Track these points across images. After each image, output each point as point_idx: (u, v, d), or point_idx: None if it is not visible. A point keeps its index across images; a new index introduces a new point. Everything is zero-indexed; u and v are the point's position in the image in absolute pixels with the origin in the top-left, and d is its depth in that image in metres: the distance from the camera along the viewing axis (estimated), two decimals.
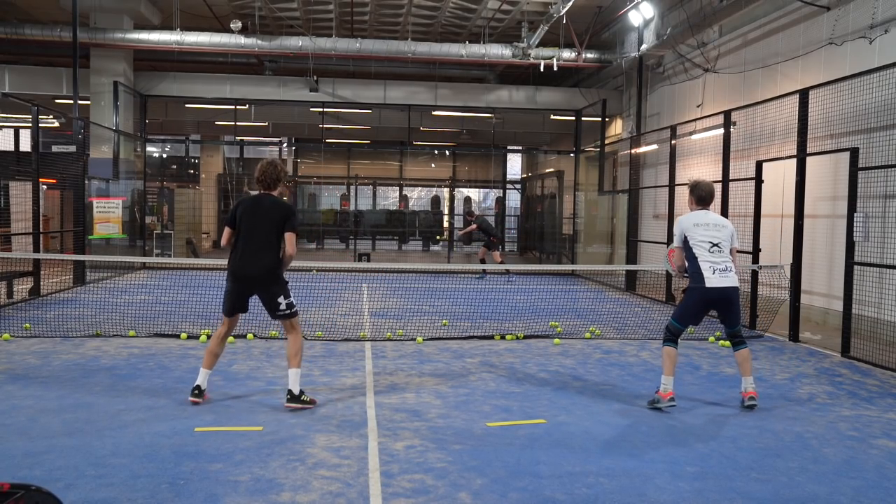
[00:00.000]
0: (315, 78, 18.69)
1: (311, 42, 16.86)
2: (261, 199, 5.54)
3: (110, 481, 3.90)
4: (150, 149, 24.23)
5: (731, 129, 10.68)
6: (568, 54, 17.21)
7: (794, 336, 8.85)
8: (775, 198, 10.63)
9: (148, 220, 18.31)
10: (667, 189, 12.82)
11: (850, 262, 7.93)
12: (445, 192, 27.34)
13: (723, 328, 5.99)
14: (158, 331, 8.40)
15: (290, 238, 5.44)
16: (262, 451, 4.45)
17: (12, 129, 18.09)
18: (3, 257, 10.56)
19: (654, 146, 15.48)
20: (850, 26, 10.07)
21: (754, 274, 9.70)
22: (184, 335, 8.09)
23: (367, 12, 18.41)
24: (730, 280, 5.63)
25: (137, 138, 18.31)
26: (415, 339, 8.34)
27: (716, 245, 5.66)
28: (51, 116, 19.01)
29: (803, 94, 8.86)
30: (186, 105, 20.54)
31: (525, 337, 8.65)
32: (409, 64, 19.01)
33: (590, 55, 17.31)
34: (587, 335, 8.86)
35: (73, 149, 13.04)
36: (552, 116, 21.14)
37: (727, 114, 10.71)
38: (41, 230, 11.83)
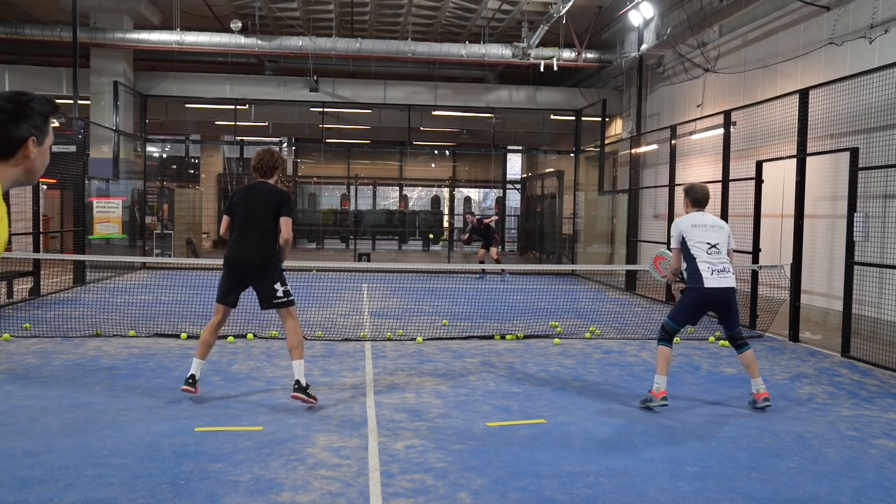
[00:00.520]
0: (315, 78, 18.69)
1: (311, 42, 16.86)
2: (256, 186, 5.53)
3: (110, 481, 3.90)
4: (150, 149, 24.23)
5: (731, 129, 10.68)
6: (568, 54, 17.21)
7: (794, 336, 8.85)
8: (775, 198, 10.63)
9: (148, 220, 18.31)
10: (667, 189, 12.82)
11: (850, 262, 7.92)
12: (445, 192, 27.35)
13: (723, 330, 5.99)
14: (158, 331, 8.40)
15: (285, 223, 5.40)
16: (262, 451, 4.45)
17: None
18: (3, 257, 10.55)
19: (654, 146, 15.48)
20: (850, 26, 10.07)
21: (754, 274, 9.70)
22: (184, 335, 8.09)
23: (367, 12, 18.41)
24: (728, 281, 5.63)
25: (137, 138, 18.31)
26: (415, 339, 8.34)
27: (714, 246, 5.66)
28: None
29: (803, 94, 8.85)
30: (186, 105, 20.55)
31: (525, 337, 8.65)
32: (409, 64, 19.01)
33: (590, 55, 17.31)
34: (587, 335, 8.86)
35: (73, 149, 13.04)
36: (552, 116, 21.14)
37: (727, 114, 10.71)
38: (41, 230, 11.83)
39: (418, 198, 32.19)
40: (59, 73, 18.25)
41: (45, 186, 15.21)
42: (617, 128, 19.30)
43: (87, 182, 13.90)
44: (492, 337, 8.59)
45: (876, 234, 8.50)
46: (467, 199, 29.67)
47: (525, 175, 31.07)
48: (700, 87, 14.34)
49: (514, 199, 29.80)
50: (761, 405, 5.63)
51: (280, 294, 5.41)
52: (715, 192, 10.95)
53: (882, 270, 8.17)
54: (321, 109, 19.77)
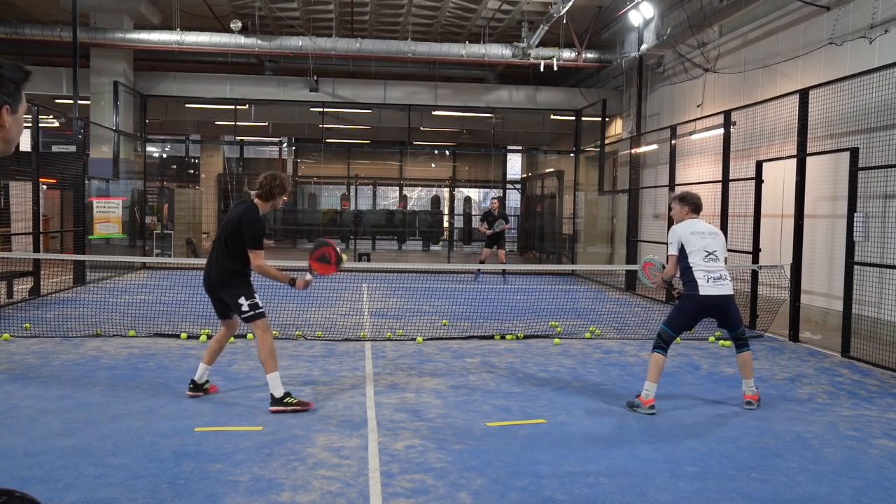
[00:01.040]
0: (315, 78, 18.69)
1: (311, 42, 16.86)
2: (239, 205, 5.51)
3: (110, 481, 3.90)
4: (150, 149, 24.22)
5: (731, 129, 10.68)
6: (568, 54, 17.21)
7: (794, 336, 8.85)
8: (775, 198, 10.63)
9: (148, 220, 18.31)
10: (667, 189, 12.81)
11: (850, 262, 7.92)
12: (445, 192, 27.35)
13: (725, 332, 5.98)
14: (158, 331, 8.41)
15: (251, 255, 5.26)
16: (262, 451, 4.45)
17: None
18: (3, 257, 10.56)
19: (654, 146, 15.48)
20: (850, 26, 10.07)
21: (754, 274, 9.70)
22: (184, 335, 8.09)
23: (367, 12, 18.41)
24: (725, 288, 5.64)
25: (137, 138, 18.31)
26: (415, 339, 8.34)
27: (711, 254, 5.68)
28: (51, 116, 19.01)
29: (803, 94, 8.85)
30: (186, 105, 20.54)
31: (525, 337, 8.65)
32: (409, 64, 19.01)
33: (590, 55, 17.31)
34: (587, 335, 8.86)
35: (73, 149, 13.05)
36: (552, 116, 21.13)
37: (727, 114, 10.71)
38: (41, 230, 11.83)
39: (418, 198, 32.18)
40: (59, 73, 18.25)
41: (45, 186, 15.21)
42: (617, 128, 19.30)
43: (87, 182, 13.90)
44: (492, 337, 8.59)
45: (876, 234, 8.50)
46: (467, 199, 29.67)
47: (525, 175, 31.07)
48: (700, 87, 14.33)
49: (514, 199, 29.80)
50: (746, 407, 5.68)
51: (245, 308, 5.31)
52: (715, 192, 11.02)
53: (882, 270, 8.17)
54: (321, 109, 19.77)
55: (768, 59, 12.01)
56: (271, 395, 5.26)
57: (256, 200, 5.49)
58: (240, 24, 16.56)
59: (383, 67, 20.11)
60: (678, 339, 8.64)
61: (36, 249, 11.49)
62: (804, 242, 8.96)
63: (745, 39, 12.86)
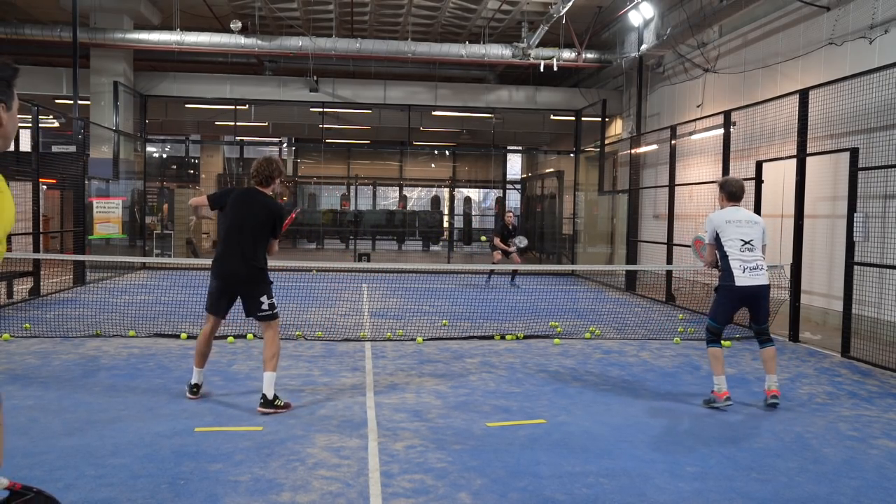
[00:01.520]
0: (315, 78, 18.69)
1: (311, 42, 16.86)
2: (255, 194, 5.41)
3: (110, 481, 3.90)
4: (150, 149, 24.20)
5: (731, 129, 10.68)
6: (568, 54, 17.21)
7: (794, 336, 8.85)
8: (775, 198, 10.63)
9: (148, 220, 18.31)
10: (667, 189, 12.82)
11: (850, 262, 7.92)
12: (445, 192, 27.34)
13: (750, 323, 5.98)
14: (158, 331, 8.40)
15: (275, 243, 5.52)
16: (262, 451, 4.45)
17: None
18: (3, 257, 10.55)
19: (654, 146, 15.48)
20: (850, 26, 10.07)
21: None
22: (184, 335, 8.09)
23: (367, 12, 18.41)
24: (761, 278, 5.61)
25: (137, 138, 18.31)
26: (415, 339, 8.34)
27: (747, 243, 5.63)
28: (51, 116, 19.00)
29: (803, 94, 8.85)
30: (186, 105, 20.54)
31: (525, 337, 8.65)
32: (409, 64, 19.01)
33: (590, 55, 17.31)
34: (587, 335, 8.86)
35: (73, 149, 13.05)
36: (552, 116, 21.13)
37: (727, 114, 10.71)
38: (41, 230, 11.83)
39: (418, 198, 32.18)
40: (59, 73, 18.25)
41: (44, 186, 15.20)
42: (617, 128, 19.30)
43: (87, 182, 13.90)
44: (492, 337, 8.59)
45: (876, 234, 8.50)
46: (467, 200, 29.66)
47: (525, 175, 31.06)
48: (700, 87, 14.34)
49: (514, 199, 29.78)
50: (770, 402, 5.66)
51: (265, 307, 5.35)
52: (715, 192, 11.00)
53: (882, 270, 8.17)
54: (321, 109, 19.77)
55: (768, 59, 12.01)
56: (263, 394, 5.24)
57: (259, 187, 5.46)
58: (240, 24, 16.56)
59: (383, 67, 20.11)
60: (677, 339, 8.65)
61: (36, 249, 11.49)
62: (804, 242, 8.96)
63: (745, 39, 12.87)
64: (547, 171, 25.25)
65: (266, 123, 23.02)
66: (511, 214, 14.67)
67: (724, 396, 5.56)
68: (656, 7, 14.64)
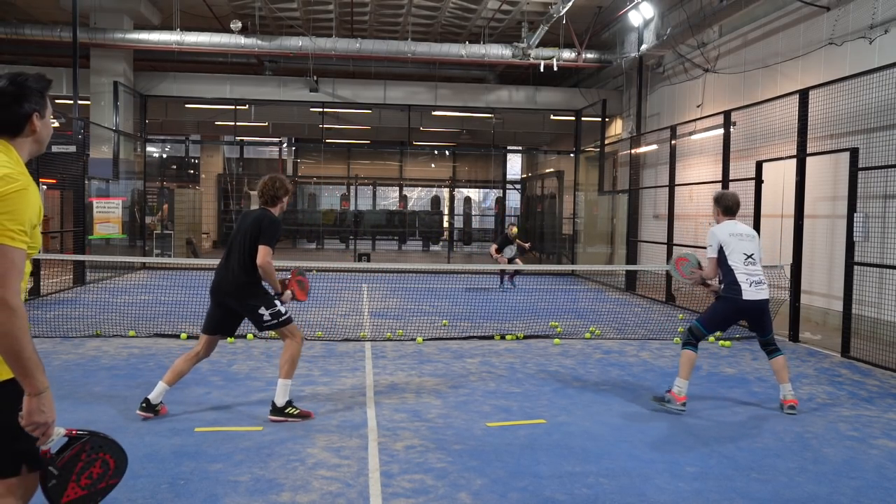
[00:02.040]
0: (315, 78, 18.69)
1: (311, 42, 16.86)
2: (251, 212, 5.33)
3: None
4: (150, 149, 24.22)
5: (731, 129, 10.68)
6: (568, 54, 17.22)
7: (794, 336, 8.85)
8: (775, 198, 10.63)
9: (148, 220, 18.31)
10: (667, 189, 12.82)
11: (850, 262, 7.92)
12: (445, 192, 27.34)
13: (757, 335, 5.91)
14: (158, 331, 8.41)
15: (260, 250, 5.02)
16: (262, 451, 4.45)
17: None
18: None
19: (654, 146, 15.48)
20: (850, 26, 10.07)
21: None
22: (184, 335, 8.09)
23: (367, 12, 18.41)
24: (764, 292, 5.60)
25: (137, 138, 18.31)
26: (415, 340, 8.34)
27: (749, 256, 5.62)
28: (51, 116, 18.97)
29: (803, 94, 8.86)
30: (186, 105, 20.55)
31: (525, 337, 8.65)
32: (409, 64, 19.01)
33: (590, 55, 17.31)
34: (587, 335, 8.86)
35: (73, 149, 13.03)
36: (552, 116, 21.14)
37: (727, 114, 10.71)
38: (41, 230, 11.80)
39: (418, 198, 32.18)
40: (59, 73, 18.23)
41: (44, 186, 15.20)
42: (617, 128, 19.30)
43: (87, 182, 13.90)
44: (492, 337, 8.59)
45: (876, 234, 8.50)
46: (467, 200, 29.67)
47: (525, 175, 31.07)
48: (700, 88, 14.34)
49: (514, 199, 29.79)
50: (787, 412, 5.58)
51: (267, 317, 5.12)
52: (715, 192, 11.00)
53: (882, 270, 8.17)
54: (321, 109, 19.77)
55: (768, 59, 12.01)
56: (273, 402, 5.10)
57: (266, 207, 5.32)
58: (240, 25, 16.57)
59: (383, 67, 20.11)
60: (676, 339, 8.65)
61: None
62: (804, 242, 8.96)
63: (745, 39, 12.87)
64: (547, 171, 25.25)
65: (266, 123, 23.02)
66: (513, 227, 14.72)
67: (682, 401, 5.51)
68: (656, 7, 14.64)
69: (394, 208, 28.53)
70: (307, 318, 9.56)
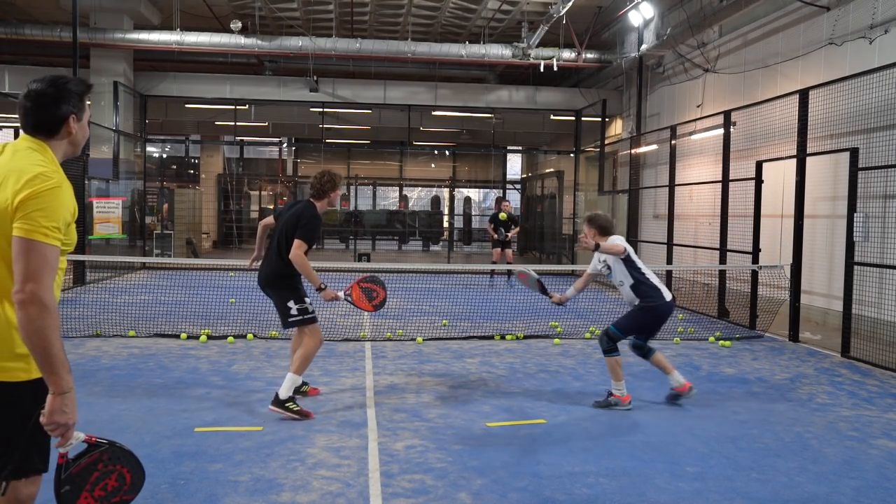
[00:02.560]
0: (315, 78, 18.69)
1: (311, 42, 16.86)
2: (297, 204, 5.44)
3: None
4: (150, 149, 24.23)
5: (731, 129, 10.68)
6: (568, 54, 17.21)
7: (794, 336, 8.85)
8: (775, 198, 10.63)
9: (148, 220, 18.30)
10: (667, 189, 12.82)
11: (850, 262, 7.92)
12: (445, 192, 27.34)
13: (634, 339, 5.97)
14: (158, 331, 8.40)
15: (295, 244, 5.11)
16: (262, 451, 4.45)
17: (12, 130, 18.10)
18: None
19: (654, 146, 15.48)
20: (850, 26, 10.07)
21: (754, 274, 9.70)
22: (184, 335, 8.09)
23: (367, 12, 18.41)
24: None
25: (137, 138, 18.31)
26: (415, 339, 8.34)
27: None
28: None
29: (803, 95, 8.86)
30: (186, 105, 20.54)
31: (525, 337, 8.65)
32: (409, 64, 19.01)
33: (590, 55, 17.31)
34: (587, 335, 8.86)
35: None
36: (552, 116, 21.13)
37: (727, 114, 10.71)
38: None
39: (418, 198, 32.18)
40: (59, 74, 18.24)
41: None
42: (617, 128, 19.30)
43: (87, 182, 13.90)
44: (492, 337, 8.59)
45: (876, 234, 8.50)
46: (467, 200, 29.67)
47: (525, 175, 31.06)
48: (700, 88, 14.34)
49: (514, 199, 29.77)
50: (684, 397, 5.72)
51: (294, 312, 5.22)
52: (715, 192, 11.01)
53: (882, 270, 8.17)
54: (321, 109, 19.76)
55: (768, 59, 12.01)
56: (276, 393, 5.15)
57: (312, 200, 5.46)
58: (240, 25, 16.56)
59: (383, 67, 20.10)
60: (677, 339, 8.64)
61: None
62: (804, 242, 8.96)
63: (745, 39, 12.87)
64: (547, 171, 25.25)
65: (266, 123, 23.02)
66: (507, 204, 15.03)
67: (629, 399, 5.63)
68: (656, 7, 14.64)
69: (394, 208, 28.52)
70: None
